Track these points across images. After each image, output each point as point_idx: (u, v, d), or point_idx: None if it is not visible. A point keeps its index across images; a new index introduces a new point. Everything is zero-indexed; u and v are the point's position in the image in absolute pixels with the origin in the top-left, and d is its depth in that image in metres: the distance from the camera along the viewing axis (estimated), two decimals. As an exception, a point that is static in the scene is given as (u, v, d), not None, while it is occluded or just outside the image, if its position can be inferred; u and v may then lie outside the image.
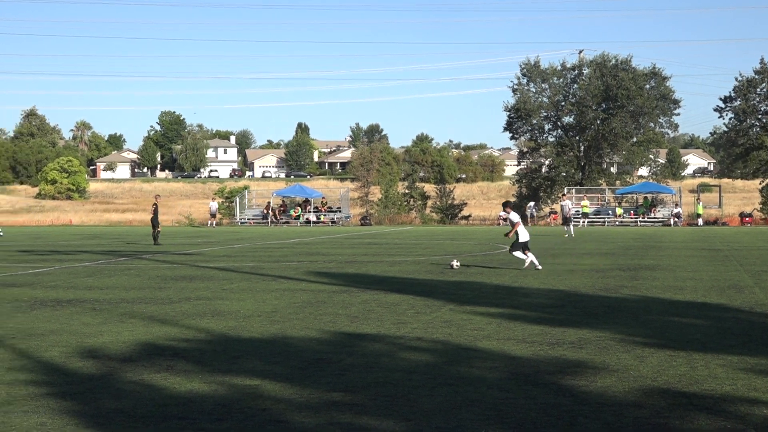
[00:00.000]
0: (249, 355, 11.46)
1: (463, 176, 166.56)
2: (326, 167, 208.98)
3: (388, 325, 14.06)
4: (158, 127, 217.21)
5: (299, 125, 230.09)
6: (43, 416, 8.32)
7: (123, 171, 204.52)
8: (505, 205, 26.67)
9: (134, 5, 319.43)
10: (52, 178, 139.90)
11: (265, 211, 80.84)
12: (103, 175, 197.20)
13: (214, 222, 76.13)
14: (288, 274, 24.00)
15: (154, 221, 42.81)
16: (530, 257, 25.29)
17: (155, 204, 43.88)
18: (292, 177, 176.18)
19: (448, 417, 8.22)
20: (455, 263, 25.55)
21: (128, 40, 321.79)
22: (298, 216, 79.63)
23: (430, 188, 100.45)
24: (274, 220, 78.71)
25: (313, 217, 79.26)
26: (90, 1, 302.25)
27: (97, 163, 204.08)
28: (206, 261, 29.70)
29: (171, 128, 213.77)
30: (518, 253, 25.50)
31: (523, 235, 25.41)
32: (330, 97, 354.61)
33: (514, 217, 25.75)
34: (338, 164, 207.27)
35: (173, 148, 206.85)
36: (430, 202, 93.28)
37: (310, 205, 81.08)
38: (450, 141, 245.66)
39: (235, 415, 8.33)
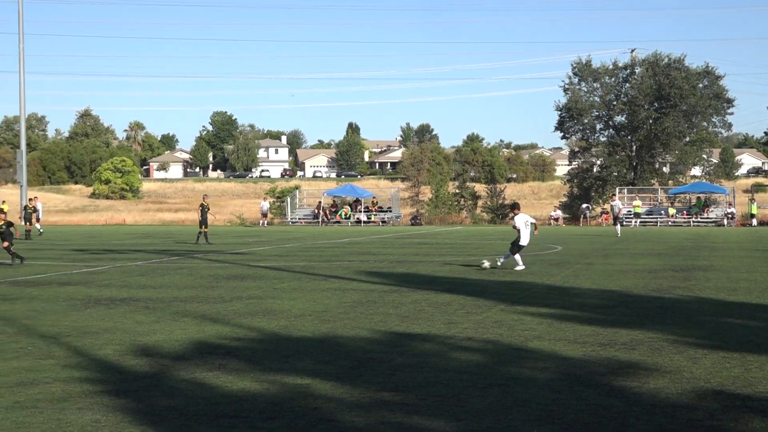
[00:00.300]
0: (300, 354, 11.52)
1: (514, 176, 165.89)
2: (377, 167, 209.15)
3: (438, 325, 14.06)
4: (210, 128, 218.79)
5: (350, 125, 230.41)
6: (97, 413, 8.43)
7: (176, 171, 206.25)
8: (514, 207, 26.71)
9: (187, 6, 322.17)
10: (106, 177, 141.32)
11: (316, 211, 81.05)
12: (155, 174, 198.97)
13: (266, 222, 76.45)
14: (339, 274, 24.07)
15: (203, 221, 43.00)
16: (517, 258, 25.30)
17: (202, 204, 44.04)
18: (343, 177, 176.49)
19: (498, 417, 8.20)
20: (486, 263, 25.45)
21: (180, 41, 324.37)
22: (349, 216, 79.77)
23: (480, 188, 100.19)
24: (325, 219, 78.93)
25: (363, 217, 79.34)
26: (144, 2, 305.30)
27: (150, 163, 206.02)
28: (258, 260, 29.86)
29: (223, 128, 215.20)
30: (518, 257, 25.37)
31: (524, 239, 25.31)
32: (380, 97, 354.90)
33: (520, 220, 25.59)
34: (389, 164, 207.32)
35: (225, 148, 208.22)
36: (480, 202, 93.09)
37: (360, 204, 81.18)
38: (501, 141, 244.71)
39: (287, 413, 8.37)
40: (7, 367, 10.73)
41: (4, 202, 52.84)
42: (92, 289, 20.05)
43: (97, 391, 9.40)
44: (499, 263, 25.55)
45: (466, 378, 9.94)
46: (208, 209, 43.65)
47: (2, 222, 28.15)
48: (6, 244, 27.86)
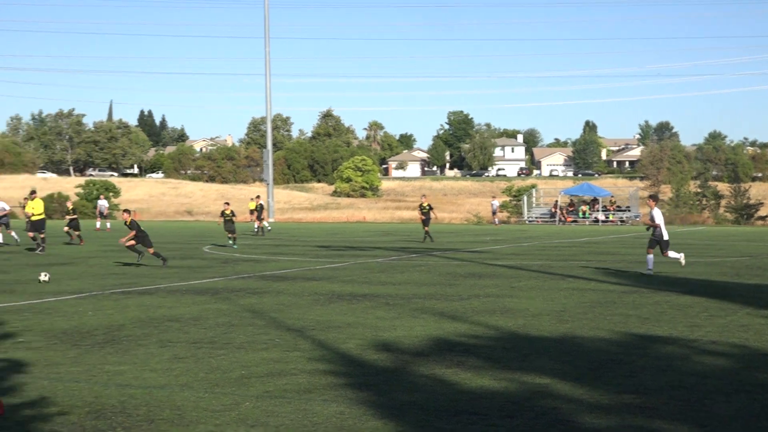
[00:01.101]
0: (538, 354, 11.50)
1: (760, 175, 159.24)
2: (614, 165, 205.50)
3: (680, 328, 13.72)
4: (447, 127, 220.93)
5: (587, 123, 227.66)
6: (341, 405, 8.69)
7: (413, 169, 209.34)
8: (652, 198, 24.70)
9: (419, 7, 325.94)
10: (347, 176, 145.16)
11: (553, 210, 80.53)
12: (394, 173, 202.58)
13: (497, 220, 76.58)
14: (576, 273, 23.83)
15: (426, 220, 43.49)
16: (648, 260, 23.71)
17: (421, 204, 44.46)
18: (580, 175, 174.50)
19: (746, 425, 7.93)
20: (43, 276, 21.45)
21: (418, 42, 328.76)
22: (586, 215, 78.79)
23: (723, 187, 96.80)
24: (562, 218, 78.24)
25: (601, 216, 78.22)
26: (381, 4, 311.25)
27: (389, 162, 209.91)
28: (495, 258, 29.94)
29: (459, 127, 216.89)
30: (673, 253, 23.85)
31: (666, 233, 23.77)
32: (618, 95, 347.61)
33: (658, 214, 23.94)
34: (627, 162, 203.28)
35: (461, 147, 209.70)
36: (723, 202, 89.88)
37: (598, 203, 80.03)
38: (745, 138, 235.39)
39: (525, 412, 8.38)
40: (257, 357, 11.24)
41: (257, 197, 54.97)
42: (335, 285, 20.67)
43: (341, 383, 9.70)
44: (649, 269, 23.71)
45: (711, 383, 9.65)
46: (429, 208, 43.99)
47: (128, 221, 27.17)
48: (151, 250, 26.93)
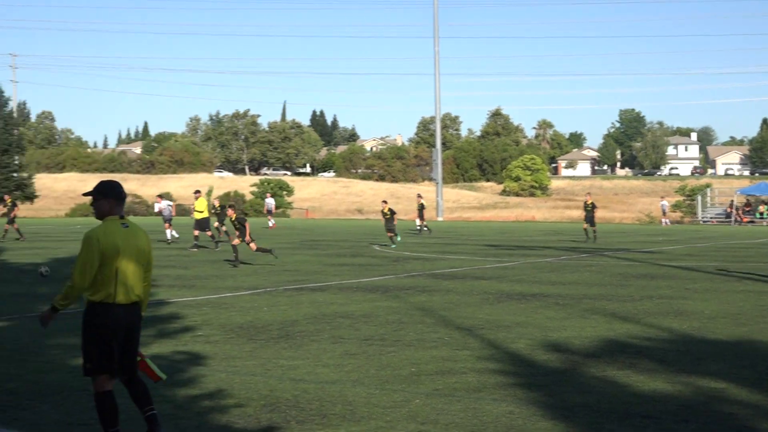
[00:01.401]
0: (713, 357, 11.22)
1: None
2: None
3: None
4: (618, 125, 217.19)
5: (764, 121, 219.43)
6: (511, 405, 8.70)
7: (583, 168, 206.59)
8: None
9: (591, 4, 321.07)
10: (516, 175, 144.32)
11: (729, 210, 78.17)
12: (563, 172, 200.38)
13: (667, 220, 74.85)
14: (754, 276, 23.09)
15: (588, 218, 42.97)
16: None
17: (585, 201, 43.86)
18: (757, 174, 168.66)
19: None
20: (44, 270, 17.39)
21: (585, 39, 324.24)
22: (765, 215, 76.17)
23: None
24: (738, 219, 75.86)
25: (780, 217, 75.46)
26: (545, 2, 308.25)
27: (558, 161, 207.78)
28: (668, 259, 29.29)
29: (631, 126, 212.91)
30: None
31: None
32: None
33: None
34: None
35: (633, 145, 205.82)
36: None
37: (777, 203, 77.26)
38: None
39: (700, 417, 8.21)
40: (427, 355, 11.34)
41: (418, 196, 55.04)
42: (504, 284, 20.63)
43: (510, 383, 9.70)
44: None
45: None
46: (593, 207, 43.33)
47: (233, 217, 27.26)
48: (236, 241, 26.67)
